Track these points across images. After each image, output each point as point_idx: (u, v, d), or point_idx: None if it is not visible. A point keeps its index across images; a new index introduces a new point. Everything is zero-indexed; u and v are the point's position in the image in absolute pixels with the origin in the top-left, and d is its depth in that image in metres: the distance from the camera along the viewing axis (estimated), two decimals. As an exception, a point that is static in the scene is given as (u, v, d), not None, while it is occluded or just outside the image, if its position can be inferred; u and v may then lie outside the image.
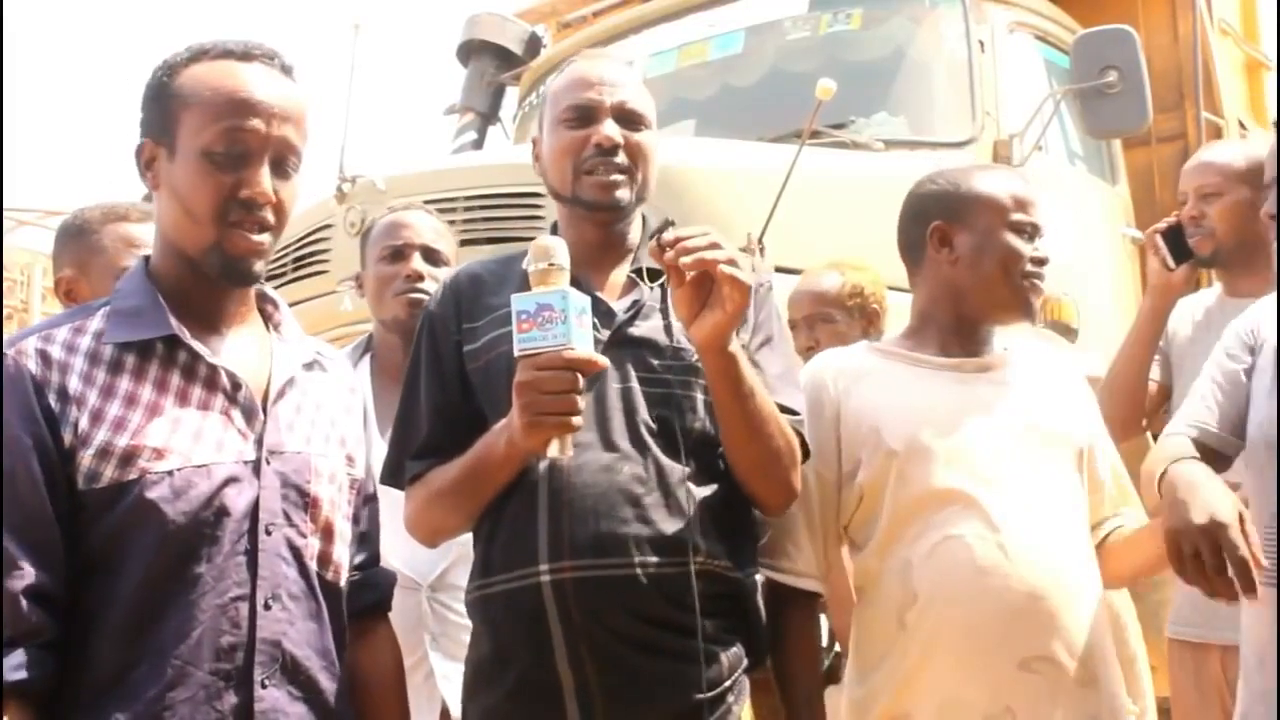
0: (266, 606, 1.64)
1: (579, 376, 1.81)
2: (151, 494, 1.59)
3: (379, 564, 1.95)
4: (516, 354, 1.82)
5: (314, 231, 3.82)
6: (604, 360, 1.87)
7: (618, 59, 2.24)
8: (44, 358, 1.63)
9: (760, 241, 3.09)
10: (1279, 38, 5.38)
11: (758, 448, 1.99)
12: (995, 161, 4.13)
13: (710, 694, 1.95)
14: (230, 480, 1.64)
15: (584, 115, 2.08)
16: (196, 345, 1.68)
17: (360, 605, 1.86)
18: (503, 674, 1.97)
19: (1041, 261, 2.22)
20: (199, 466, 1.62)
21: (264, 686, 1.62)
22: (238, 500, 1.64)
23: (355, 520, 1.86)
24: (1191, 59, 4.96)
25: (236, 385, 1.69)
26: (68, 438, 1.59)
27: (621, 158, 2.06)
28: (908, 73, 4.42)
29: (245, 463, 1.66)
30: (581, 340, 1.81)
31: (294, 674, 1.66)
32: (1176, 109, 4.92)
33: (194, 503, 1.60)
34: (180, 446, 1.62)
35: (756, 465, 2.01)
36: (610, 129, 2.06)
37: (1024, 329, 3.90)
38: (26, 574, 1.54)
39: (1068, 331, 4.10)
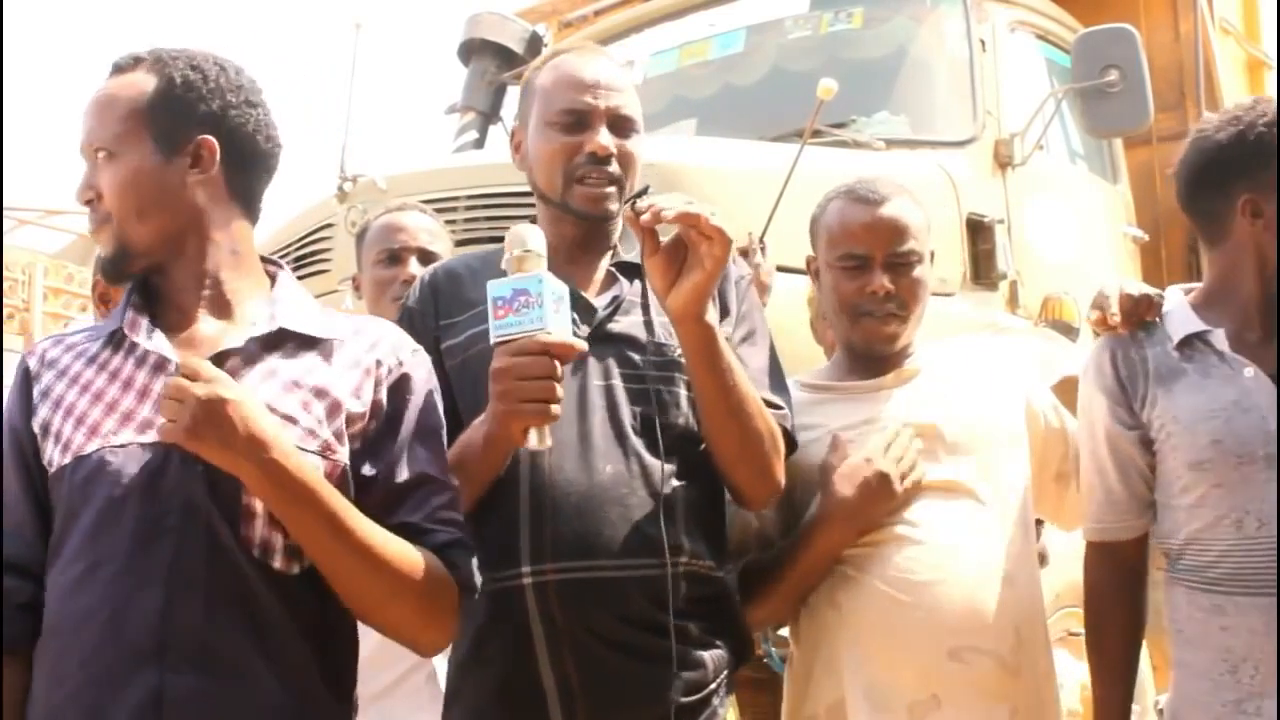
0: (181, 591, 1.58)
1: (557, 363, 1.76)
2: (76, 476, 1.64)
3: (458, 537, 1.75)
4: (493, 340, 1.77)
5: (315, 231, 3.82)
6: (582, 344, 1.82)
7: (609, 57, 2.16)
8: (43, 356, 1.75)
9: (761, 241, 3.09)
10: (1280, 37, 5.39)
11: (737, 428, 1.94)
12: (996, 160, 4.15)
13: (694, 696, 1.94)
14: (148, 460, 1.62)
15: (578, 120, 2.02)
16: (135, 335, 1.70)
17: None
18: (485, 676, 1.96)
19: (879, 294, 2.16)
20: (117, 447, 1.63)
21: (178, 673, 1.56)
22: (155, 480, 1.61)
23: (391, 505, 1.72)
24: (1193, 58, 4.96)
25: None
26: (35, 425, 1.70)
27: (614, 166, 2.01)
28: (909, 72, 4.41)
29: (170, 444, 1.59)
30: (559, 326, 1.76)
31: (211, 661, 1.58)
32: (1178, 108, 4.91)
33: (106, 483, 1.61)
34: (107, 429, 1.65)
35: (737, 449, 1.97)
36: (605, 138, 2.01)
37: (1026, 326, 3.96)
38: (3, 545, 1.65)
39: (1069, 331, 4.09)
